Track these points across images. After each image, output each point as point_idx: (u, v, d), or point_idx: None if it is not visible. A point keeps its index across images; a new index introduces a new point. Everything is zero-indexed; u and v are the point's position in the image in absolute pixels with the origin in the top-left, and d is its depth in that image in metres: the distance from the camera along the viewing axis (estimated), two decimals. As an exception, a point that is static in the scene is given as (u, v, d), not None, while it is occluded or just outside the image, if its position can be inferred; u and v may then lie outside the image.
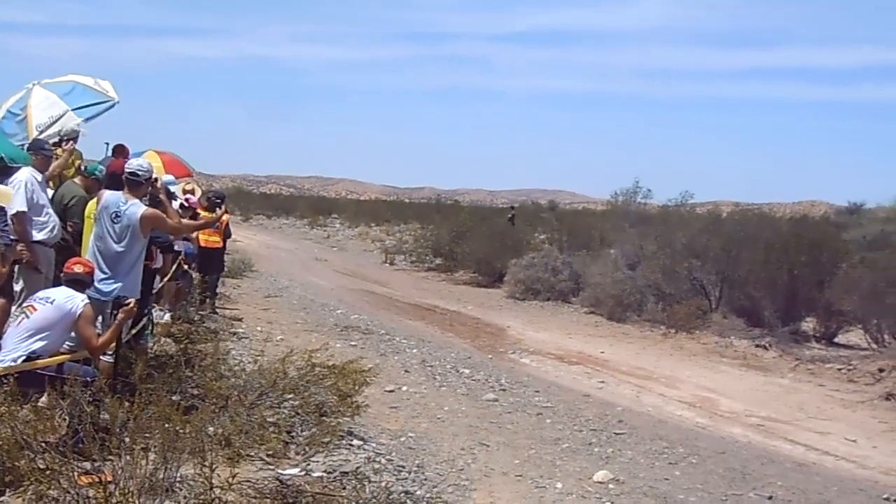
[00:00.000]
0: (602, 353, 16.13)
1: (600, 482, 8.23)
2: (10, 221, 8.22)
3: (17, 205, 8.02)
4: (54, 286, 7.79)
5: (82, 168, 9.91)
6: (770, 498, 8.30)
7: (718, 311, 19.38)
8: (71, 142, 9.73)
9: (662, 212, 30.27)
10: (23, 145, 9.47)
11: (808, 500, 8.38)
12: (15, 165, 8.56)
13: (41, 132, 10.12)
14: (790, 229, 23.06)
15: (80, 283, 6.54)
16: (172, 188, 11.20)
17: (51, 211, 8.51)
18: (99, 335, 6.53)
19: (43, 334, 6.14)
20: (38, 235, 8.25)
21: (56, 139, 10.02)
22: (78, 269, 6.64)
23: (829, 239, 21.41)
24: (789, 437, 10.97)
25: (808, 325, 19.32)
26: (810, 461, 9.95)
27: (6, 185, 7.78)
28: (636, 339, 18.18)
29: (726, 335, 17.69)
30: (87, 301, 6.31)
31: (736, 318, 18.72)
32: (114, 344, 6.70)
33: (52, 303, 6.29)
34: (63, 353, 6.32)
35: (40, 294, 6.56)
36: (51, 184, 9.27)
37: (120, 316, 6.70)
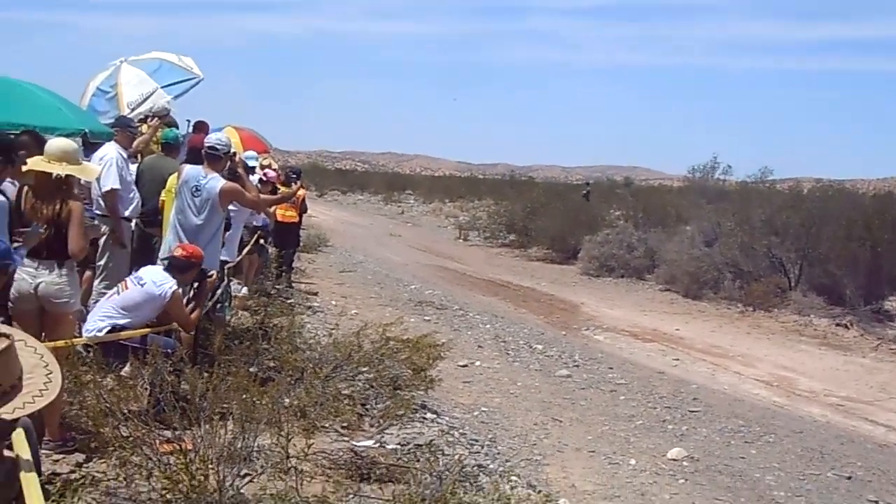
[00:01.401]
0: (677, 330, 15.97)
1: (674, 460, 8.18)
2: (97, 198, 8.41)
3: (110, 182, 8.19)
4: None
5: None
6: (849, 478, 8.16)
7: (798, 290, 19.00)
8: (157, 118, 9.90)
9: (741, 188, 29.76)
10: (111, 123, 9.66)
11: (888, 480, 8.21)
12: (97, 142, 8.75)
13: (133, 109, 10.34)
14: (873, 206, 22.47)
15: (178, 267, 6.54)
16: (252, 163, 11.33)
17: (135, 187, 8.68)
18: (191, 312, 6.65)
19: (129, 313, 6.25)
20: (124, 212, 8.43)
21: (143, 116, 10.21)
22: (178, 252, 6.68)
23: (915, 216, 20.82)
24: (870, 417, 10.74)
25: (891, 304, 18.86)
26: (892, 442, 9.74)
27: (90, 160, 7.93)
28: (712, 316, 17.95)
29: (806, 314, 17.37)
30: (175, 287, 6.36)
31: (816, 296, 18.34)
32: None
33: (143, 285, 6.36)
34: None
35: (137, 273, 6.66)
36: (137, 158, 9.44)
37: (204, 288, 6.82)
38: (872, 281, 18.49)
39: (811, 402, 11.33)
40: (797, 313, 17.49)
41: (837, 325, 16.65)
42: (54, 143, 5.91)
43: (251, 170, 10.77)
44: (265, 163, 13.06)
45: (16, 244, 5.24)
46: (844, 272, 18.66)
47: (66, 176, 5.70)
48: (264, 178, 11.86)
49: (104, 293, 7.28)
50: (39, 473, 3.31)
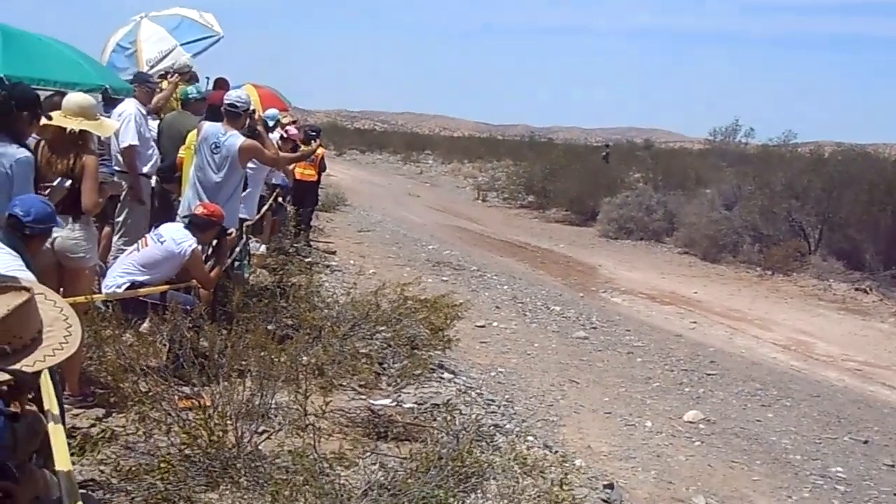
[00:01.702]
0: (695, 293, 15.93)
1: (691, 422, 8.20)
2: (116, 154, 8.41)
3: (128, 138, 8.17)
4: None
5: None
6: (866, 442, 8.16)
7: (817, 254, 18.90)
8: (177, 75, 9.85)
9: (762, 151, 29.58)
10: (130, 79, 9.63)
11: (905, 445, 8.21)
12: (118, 97, 8.72)
13: (152, 67, 10.29)
14: (895, 170, 22.28)
15: (198, 225, 6.54)
16: (272, 122, 11.29)
17: (153, 144, 8.67)
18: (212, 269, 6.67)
19: (149, 270, 6.26)
20: (143, 168, 8.42)
21: (163, 72, 10.17)
22: (199, 210, 6.68)
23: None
24: (888, 382, 10.72)
25: (912, 269, 18.72)
26: (909, 407, 9.72)
27: (110, 116, 7.91)
28: (731, 280, 17.89)
29: (825, 278, 17.29)
30: (195, 245, 6.36)
31: (836, 260, 18.24)
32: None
33: (162, 243, 6.36)
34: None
35: (157, 230, 6.66)
36: (159, 115, 9.42)
37: (224, 246, 6.84)
38: (893, 246, 18.33)
39: (829, 366, 11.31)
40: (816, 277, 17.42)
41: (857, 289, 16.57)
42: (72, 99, 5.90)
43: (272, 128, 10.72)
44: (285, 121, 13.01)
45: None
46: (864, 237, 18.54)
47: (81, 131, 5.69)
48: (286, 136, 11.82)
49: (123, 249, 7.30)
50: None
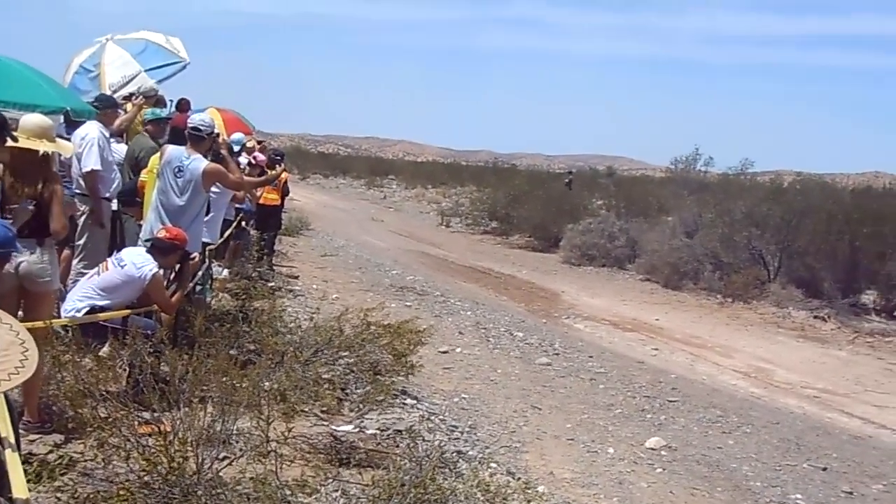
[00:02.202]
0: (657, 320, 16.03)
1: (652, 448, 8.23)
2: (77, 178, 8.32)
3: (91, 163, 8.09)
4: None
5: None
6: (825, 469, 8.23)
7: (777, 282, 19.11)
8: (141, 97, 9.78)
9: (722, 180, 29.91)
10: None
11: (863, 472, 8.29)
12: (80, 120, 8.65)
13: (114, 92, 10.19)
14: (853, 200, 22.64)
15: (160, 249, 6.49)
16: (236, 148, 11.25)
17: (116, 167, 8.60)
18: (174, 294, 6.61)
19: (109, 294, 6.20)
20: (105, 192, 8.35)
21: (127, 93, 10.10)
22: (161, 234, 6.64)
23: (893, 210, 20.94)
24: (846, 409, 10.83)
25: (869, 297, 18.99)
26: (867, 434, 9.83)
27: (71, 139, 7.84)
28: (692, 307, 18.02)
29: (784, 306, 17.47)
30: (155, 270, 6.31)
31: (794, 288, 18.44)
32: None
33: (123, 266, 6.31)
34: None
35: (118, 254, 6.61)
36: (124, 138, 9.36)
37: (186, 271, 6.79)
38: (850, 274, 18.64)
39: (788, 393, 11.41)
40: (776, 305, 17.59)
41: (815, 317, 16.77)
42: (31, 120, 5.79)
43: (238, 153, 10.69)
44: (249, 145, 12.97)
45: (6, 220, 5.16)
46: (823, 265, 18.80)
47: (45, 153, 5.63)
48: (253, 162, 11.78)
49: (83, 273, 7.22)
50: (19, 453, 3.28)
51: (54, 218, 5.52)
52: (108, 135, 8.50)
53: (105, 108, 8.87)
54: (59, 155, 6.36)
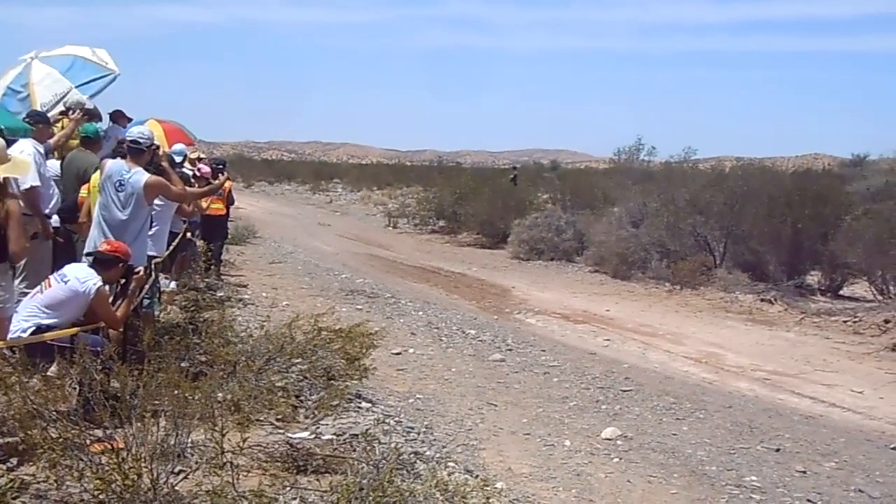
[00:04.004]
0: (607, 311, 16.16)
1: (608, 439, 8.30)
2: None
3: (29, 179, 7.94)
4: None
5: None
6: (778, 450, 8.35)
7: (723, 267, 19.40)
8: (78, 111, 9.63)
9: (665, 169, 30.22)
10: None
11: (815, 451, 8.43)
12: (13, 137, 8.50)
13: (47, 111, 10.01)
14: (793, 183, 23.00)
15: (102, 262, 6.42)
16: (178, 158, 11.12)
17: (53, 183, 8.47)
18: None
19: (54, 311, 6.11)
20: (44, 209, 8.21)
21: (62, 109, 9.93)
22: (103, 247, 6.56)
23: (833, 191, 21.37)
24: (796, 390, 11.01)
25: (813, 278, 19.32)
26: (817, 413, 9.99)
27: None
28: (641, 296, 18.20)
29: (731, 290, 17.71)
30: (99, 284, 6.24)
31: (740, 273, 18.73)
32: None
33: (66, 282, 6.22)
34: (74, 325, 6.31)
35: (61, 270, 6.52)
36: (55, 154, 9.21)
37: (132, 285, 6.71)
38: (794, 256, 18.96)
39: (739, 377, 11.56)
40: (723, 290, 17.84)
41: (762, 300, 17.01)
42: None
43: (179, 164, 10.58)
44: (193, 156, 12.85)
45: None
46: (767, 248, 19.11)
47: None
48: (198, 174, 11.67)
49: (26, 293, 7.10)
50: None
51: (14, 240, 5.42)
52: (42, 151, 8.37)
53: (38, 123, 8.74)
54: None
